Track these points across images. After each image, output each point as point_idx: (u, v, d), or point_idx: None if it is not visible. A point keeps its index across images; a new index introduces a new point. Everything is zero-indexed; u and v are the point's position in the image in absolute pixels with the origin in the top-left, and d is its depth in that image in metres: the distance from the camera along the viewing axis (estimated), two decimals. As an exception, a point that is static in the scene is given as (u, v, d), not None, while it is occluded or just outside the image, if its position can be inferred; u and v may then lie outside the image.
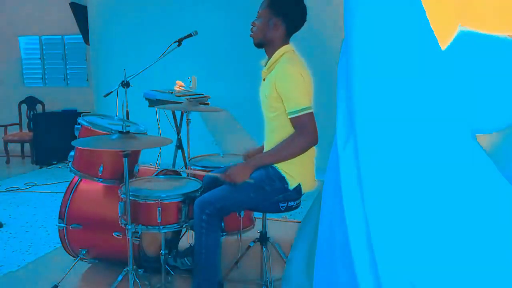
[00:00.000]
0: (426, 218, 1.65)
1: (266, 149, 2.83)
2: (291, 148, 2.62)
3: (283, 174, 2.68)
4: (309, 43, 5.26)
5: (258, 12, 2.77)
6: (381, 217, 1.70)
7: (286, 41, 2.76)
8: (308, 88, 2.67)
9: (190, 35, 3.56)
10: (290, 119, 2.62)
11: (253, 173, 2.68)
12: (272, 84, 2.64)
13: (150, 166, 3.54)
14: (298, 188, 2.72)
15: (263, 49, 2.79)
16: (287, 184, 2.69)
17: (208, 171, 3.05)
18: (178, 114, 4.60)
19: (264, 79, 2.81)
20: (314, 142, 2.63)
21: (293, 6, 2.71)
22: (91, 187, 3.28)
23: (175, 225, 2.79)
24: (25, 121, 7.62)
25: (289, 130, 2.65)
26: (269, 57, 2.76)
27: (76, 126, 3.14)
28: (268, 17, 2.71)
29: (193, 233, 2.75)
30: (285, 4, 2.70)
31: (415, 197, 1.68)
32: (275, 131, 2.73)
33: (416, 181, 1.69)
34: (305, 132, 2.59)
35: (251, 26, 2.79)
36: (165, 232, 2.88)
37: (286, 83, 2.61)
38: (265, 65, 2.81)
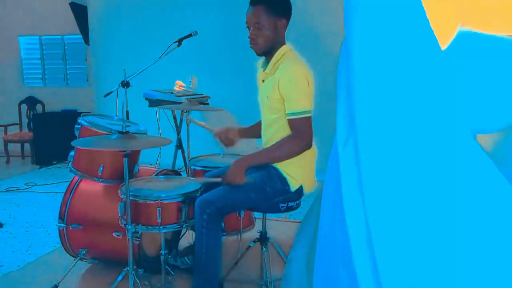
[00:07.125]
0: (426, 218, 1.65)
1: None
2: (283, 149, 2.61)
3: (285, 175, 2.67)
4: (309, 43, 5.28)
5: (255, 23, 2.62)
6: (381, 217, 1.69)
7: (284, 39, 2.72)
8: (311, 91, 2.64)
9: (190, 35, 3.57)
10: (288, 120, 2.60)
11: (255, 173, 2.67)
12: (275, 85, 2.60)
13: (150, 166, 3.54)
14: (299, 190, 2.72)
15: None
16: (288, 186, 2.68)
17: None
18: (178, 114, 4.60)
19: (263, 81, 2.78)
20: (307, 147, 2.60)
21: None
22: (91, 187, 3.28)
23: (175, 225, 2.78)
24: (25, 121, 7.62)
25: (290, 132, 2.63)
26: (268, 59, 2.71)
27: (76, 126, 3.14)
28: (273, 22, 2.62)
29: (193, 233, 2.74)
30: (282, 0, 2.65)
31: (415, 197, 1.68)
32: (277, 133, 2.70)
33: (416, 181, 1.69)
34: (301, 135, 2.58)
35: (252, 38, 2.65)
36: (165, 232, 2.88)
37: (290, 83, 2.56)
38: (262, 67, 2.78)
